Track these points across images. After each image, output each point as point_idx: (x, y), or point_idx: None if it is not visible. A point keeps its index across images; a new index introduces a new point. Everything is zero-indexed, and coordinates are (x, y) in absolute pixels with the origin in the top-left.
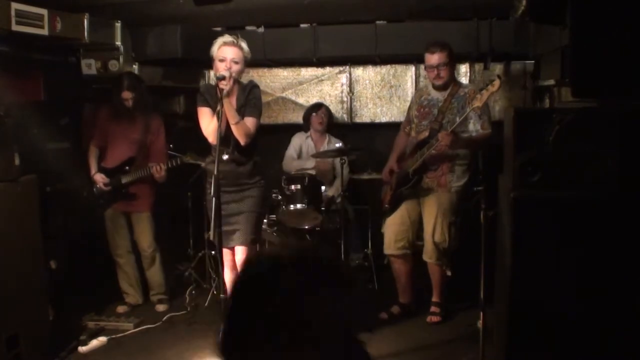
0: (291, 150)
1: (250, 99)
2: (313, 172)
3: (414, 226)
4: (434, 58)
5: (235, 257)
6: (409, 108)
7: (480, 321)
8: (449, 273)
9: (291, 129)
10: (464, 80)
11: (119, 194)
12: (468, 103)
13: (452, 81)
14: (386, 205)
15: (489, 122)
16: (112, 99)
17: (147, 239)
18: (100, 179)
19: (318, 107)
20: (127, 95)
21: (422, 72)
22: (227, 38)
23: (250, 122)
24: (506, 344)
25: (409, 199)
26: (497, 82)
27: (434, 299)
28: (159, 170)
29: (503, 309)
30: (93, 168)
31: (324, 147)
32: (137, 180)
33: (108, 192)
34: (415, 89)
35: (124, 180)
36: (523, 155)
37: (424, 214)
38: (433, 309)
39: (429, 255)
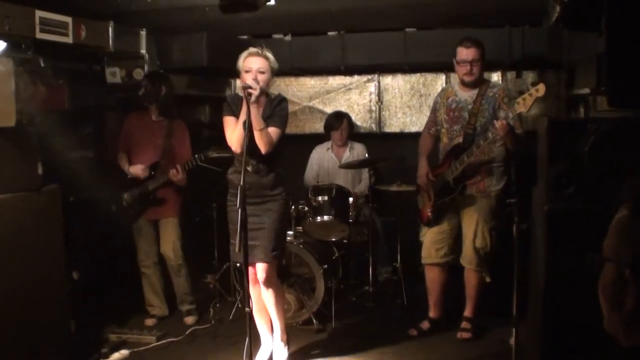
0: (312, 167)
1: (276, 110)
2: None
3: (453, 232)
4: (470, 52)
5: (256, 272)
6: (434, 109)
7: (513, 338)
8: (488, 279)
9: (318, 139)
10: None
11: (147, 201)
12: (499, 104)
13: (480, 81)
14: (429, 216)
15: (521, 123)
16: (137, 106)
17: (172, 246)
18: (138, 169)
19: (339, 120)
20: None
21: (453, 79)
22: (252, 49)
23: (273, 131)
24: None
25: (448, 207)
26: (542, 87)
27: (466, 313)
28: (175, 174)
29: (536, 326)
30: (126, 166)
31: (347, 154)
32: (162, 186)
33: (137, 202)
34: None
35: (151, 186)
36: (557, 167)
37: (464, 221)
38: (464, 324)
39: (468, 260)
